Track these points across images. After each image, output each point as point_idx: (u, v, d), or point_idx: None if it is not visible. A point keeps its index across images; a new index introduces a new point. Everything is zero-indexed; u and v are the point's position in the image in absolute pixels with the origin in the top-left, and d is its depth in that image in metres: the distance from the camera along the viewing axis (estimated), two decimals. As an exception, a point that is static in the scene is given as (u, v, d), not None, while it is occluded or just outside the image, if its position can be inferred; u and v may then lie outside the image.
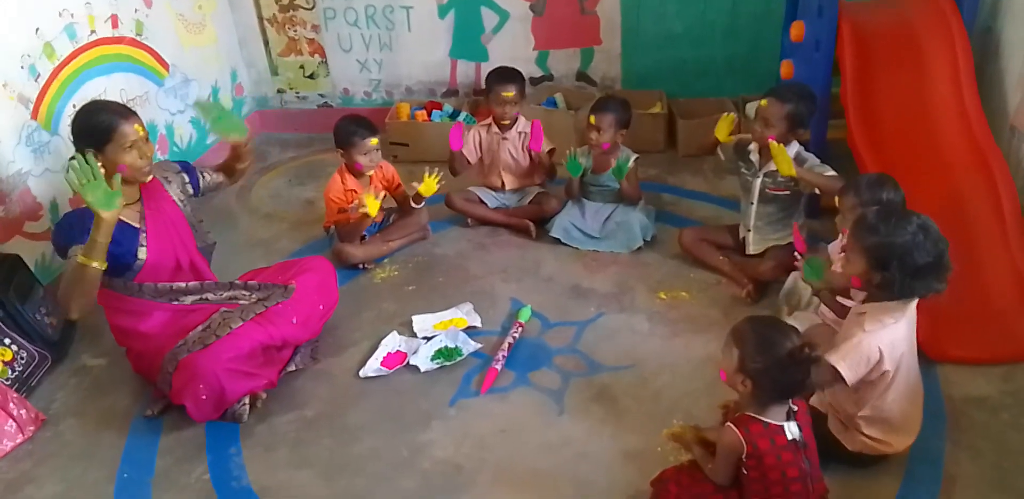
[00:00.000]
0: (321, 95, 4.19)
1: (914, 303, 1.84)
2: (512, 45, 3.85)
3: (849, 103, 2.71)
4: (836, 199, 2.27)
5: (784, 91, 2.59)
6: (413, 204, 3.07)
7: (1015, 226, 2.49)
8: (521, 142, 3.21)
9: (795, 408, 1.75)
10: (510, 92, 3.10)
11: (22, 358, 2.46)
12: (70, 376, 2.57)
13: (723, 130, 2.82)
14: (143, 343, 2.38)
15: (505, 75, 3.14)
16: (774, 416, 1.72)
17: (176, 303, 2.41)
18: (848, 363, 1.80)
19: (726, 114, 2.85)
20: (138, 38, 3.26)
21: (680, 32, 3.74)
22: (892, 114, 2.71)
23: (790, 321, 2.38)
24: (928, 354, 2.28)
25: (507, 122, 3.17)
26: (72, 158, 2.13)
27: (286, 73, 4.15)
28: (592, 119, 3.00)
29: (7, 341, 2.43)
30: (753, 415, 1.72)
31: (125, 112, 2.25)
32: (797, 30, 2.90)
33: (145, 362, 2.39)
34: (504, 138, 3.20)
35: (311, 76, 4.14)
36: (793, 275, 2.56)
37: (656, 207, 3.26)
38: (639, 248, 3.04)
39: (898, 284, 1.75)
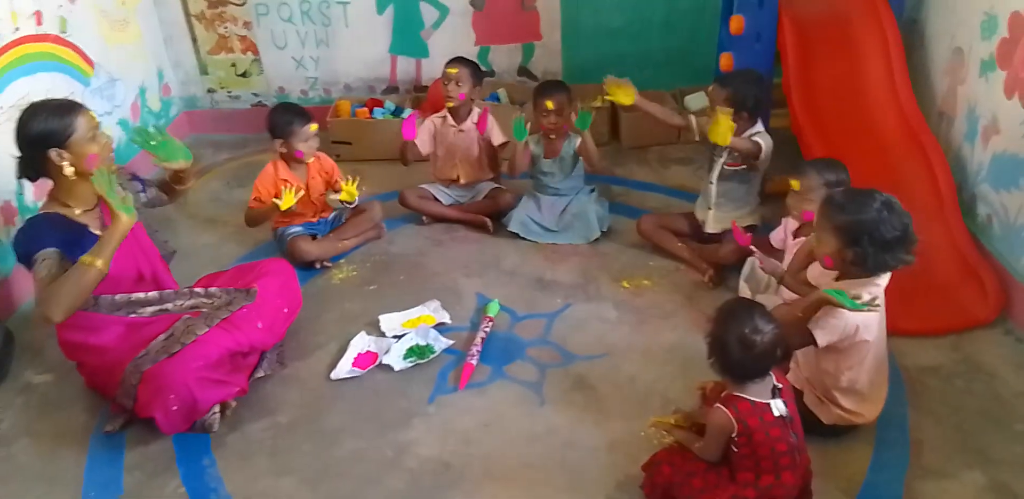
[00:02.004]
0: (255, 94, 4.06)
1: (885, 278, 1.93)
2: (453, 41, 3.83)
3: (792, 91, 2.83)
4: (792, 182, 2.36)
5: (726, 76, 2.74)
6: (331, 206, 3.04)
7: (951, 204, 2.66)
8: (477, 144, 3.21)
9: (779, 385, 1.81)
10: (454, 69, 3.07)
11: (-37, 378, 2.30)
12: (15, 395, 2.43)
13: (624, 95, 2.90)
14: (98, 357, 2.25)
15: (455, 58, 3.13)
16: (759, 394, 1.78)
17: (133, 316, 2.29)
18: (824, 330, 1.89)
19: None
20: (63, 35, 3.08)
21: (619, 26, 3.80)
22: (832, 101, 2.85)
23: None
24: (882, 328, 2.41)
25: (451, 104, 3.14)
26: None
27: (216, 72, 4.00)
28: (549, 104, 3.00)
29: (-55, 360, 2.27)
30: (739, 394, 1.78)
31: (74, 104, 2.17)
32: (737, 23, 3.00)
33: (101, 377, 2.27)
34: (460, 130, 3.18)
35: (243, 74, 4.01)
36: (750, 260, 2.66)
37: (607, 198, 3.31)
38: (597, 239, 3.08)
39: (871, 258, 1.84)
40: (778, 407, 1.75)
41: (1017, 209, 2.48)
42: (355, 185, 2.92)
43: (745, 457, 1.78)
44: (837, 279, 1.99)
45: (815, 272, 2.14)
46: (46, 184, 2.23)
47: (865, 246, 1.83)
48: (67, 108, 2.13)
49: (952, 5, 2.82)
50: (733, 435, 1.75)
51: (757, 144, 2.66)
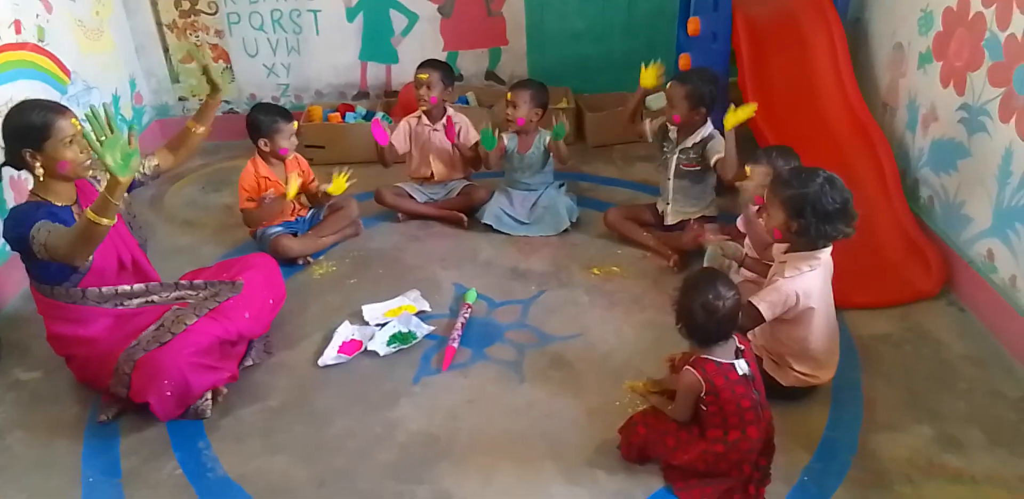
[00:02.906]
0: (227, 101, 4.14)
1: (827, 252, 2.10)
2: (422, 46, 3.97)
3: (748, 88, 3.02)
4: (746, 169, 2.53)
5: (685, 74, 2.89)
6: (321, 201, 3.15)
7: (895, 187, 2.85)
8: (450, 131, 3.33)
9: (742, 347, 1.96)
10: (424, 74, 3.20)
11: (-48, 377, 2.34)
12: (5, 391, 2.47)
13: (650, 77, 3.01)
14: (88, 349, 2.31)
15: (423, 62, 3.26)
16: (723, 355, 1.92)
17: (121, 307, 2.36)
18: (767, 304, 2.06)
19: (653, 64, 3.01)
20: (40, 44, 3.15)
21: (582, 30, 3.98)
22: (784, 96, 3.04)
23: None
24: (835, 301, 2.57)
25: (425, 107, 3.26)
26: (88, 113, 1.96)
27: (188, 80, 4.08)
28: (509, 96, 3.17)
29: (-68, 360, 2.31)
30: (705, 357, 1.92)
31: (58, 107, 2.21)
32: (694, 25, 3.19)
33: (92, 368, 2.32)
34: (434, 129, 3.31)
35: (215, 82, 4.09)
36: (711, 245, 2.82)
37: (575, 193, 3.46)
38: (566, 230, 3.22)
39: (813, 228, 2.01)
40: (741, 367, 1.90)
41: (955, 190, 2.68)
42: (345, 178, 3.02)
43: (713, 415, 1.91)
44: (786, 252, 2.16)
45: (773, 248, 2.31)
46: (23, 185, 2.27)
47: (808, 217, 2.00)
48: (48, 110, 2.17)
49: (892, 4, 3.04)
50: (702, 394, 1.89)
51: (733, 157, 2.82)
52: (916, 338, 2.55)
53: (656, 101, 3.97)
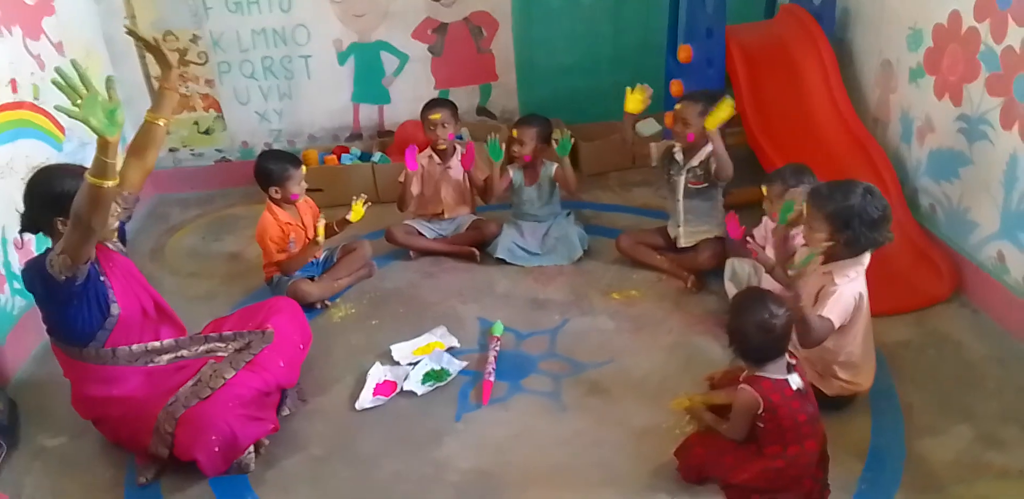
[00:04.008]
0: (218, 150, 4.13)
1: (867, 258, 2.16)
2: (413, 86, 4.01)
3: (747, 110, 3.11)
4: (763, 189, 2.60)
5: (696, 94, 2.96)
6: (339, 230, 3.08)
7: (898, 198, 2.95)
8: (463, 179, 3.37)
9: (793, 362, 1.99)
10: (436, 114, 3.24)
11: (-22, 449, 2.27)
12: (31, 460, 2.38)
13: (634, 103, 3.06)
14: (122, 409, 2.26)
15: (430, 103, 3.32)
16: (776, 372, 1.96)
17: (151, 365, 2.31)
18: (836, 315, 2.10)
19: (639, 87, 3.07)
20: (36, 102, 3.12)
21: (570, 64, 4.06)
22: (781, 116, 3.14)
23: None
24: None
25: (441, 147, 3.31)
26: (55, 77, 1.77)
27: (179, 131, 4.06)
28: (515, 133, 3.22)
29: (-41, 432, 2.23)
30: (759, 374, 1.95)
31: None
32: (685, 52, 3.29)
33: (127, 429, 2.27)
34: (448, 167, 3.34)
35: (206, 131, 4.08)
36: (730, 261, 2.88)
37: (580, 221, 3.50)
38: (579, 258, 3.25)
39: (863, 237, 2.07)
40: (795, 381, 1.94)
41: (959, 196, 2.79)
42: (362, 204, 3.02)
43: (771, 432, 1.94)
44: (824, 262, 2.21)
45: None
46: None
47: (856, 228, 2.06)
48: (81, 175, 2.06)
49: (877, 24, 3.18)
50: (759, 412, 1.91)
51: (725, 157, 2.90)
52: (937, 342, 2.62)
53: (646, 127, 4.07)
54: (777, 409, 1.91)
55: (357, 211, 3.02)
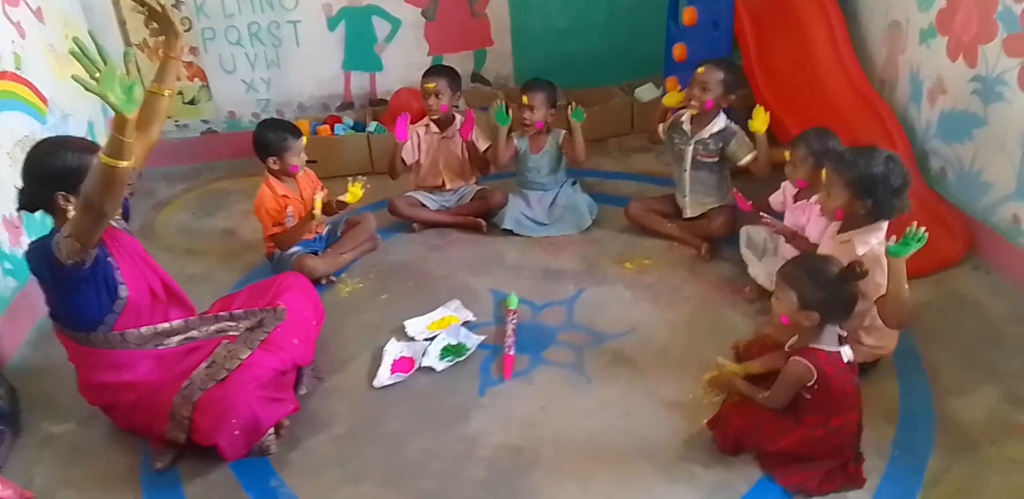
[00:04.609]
0: (204, 121, 3.98)
1: (885, 224, 2.14)
2: (405, 52, 3.89)
3: (756, 71, 3.06)
4: (785, 153, 2.57)
5: (717, 60, 2.88)
6: (336, 211, 3.00)
7: (908, 160, 2.93)
8: (461, 150, 3.27)
9: (843, 333, 1.98)
10: (431, 83, 3.14)
11: (-18, 438, 2.17)
12: (40, 448, 2.29)
13: (673, 99, 3.01)
14: (133, 395, 2.18)
15: (429, 69, 3.21)
16: (829, 343, 1.94)
17: (161, 347, 2.23)
18: (882, 273, 2.07)
19: (677, 90, 3.07)
20: (18, 72, 2.95)
21: (565, 27, 3.96)
22: (789, 79, 3.10)
23: (760, 267, 2.68)
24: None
25: (435, 117, 3.21)
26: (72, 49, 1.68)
27: (162, 102, 3.90)
28: (524, 99, 3.12)
29: (-38, 421, 2.13)
30: (815, 346, 1.93)
31: (92, 146, 2.08)
32: (690, 14, 3.22)
33: (140, 414, 2.19)
34: (444, 137, 3.24)
35: (191, 102, 3.92)
36: (744, 228, 2.85)
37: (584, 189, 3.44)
38: (588, 227, 3.21)
39: (886, 204, 2.05)
40: (847, 353, 1.93)
41: (971, 158, 2.78)
42: (360, 186, 2.92)
43: (817, 403, 1.93)
44: (841, 230, 2.20)
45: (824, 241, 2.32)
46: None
47: (880, 195, 2.04)
48: (84, 150, 2.03)
49: (884, -17, 3.13)
50: (810, 383, 1.89)
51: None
52: (956, 303, 2.64)
53: (645, 92, 4.00)
54: (830, 380, 1.90)
55: (354, 193, 2.91)
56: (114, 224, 2.22)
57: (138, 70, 3.67)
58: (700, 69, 2.84)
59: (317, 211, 2.83)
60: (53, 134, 3.18)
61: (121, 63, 1.74)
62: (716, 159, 2.97)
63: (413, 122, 3.26)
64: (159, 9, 2.22)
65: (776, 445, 1.99)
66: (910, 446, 2.08)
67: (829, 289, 1.88)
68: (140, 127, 2.24)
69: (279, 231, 2.94)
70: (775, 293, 2.00)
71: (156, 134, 2.30)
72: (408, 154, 3.24)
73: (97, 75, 1.69)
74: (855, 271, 1.86)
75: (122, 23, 3.64)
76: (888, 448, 2.08)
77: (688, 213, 3.09)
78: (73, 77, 1.70)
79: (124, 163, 1.77)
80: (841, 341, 1.95)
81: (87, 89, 1.68)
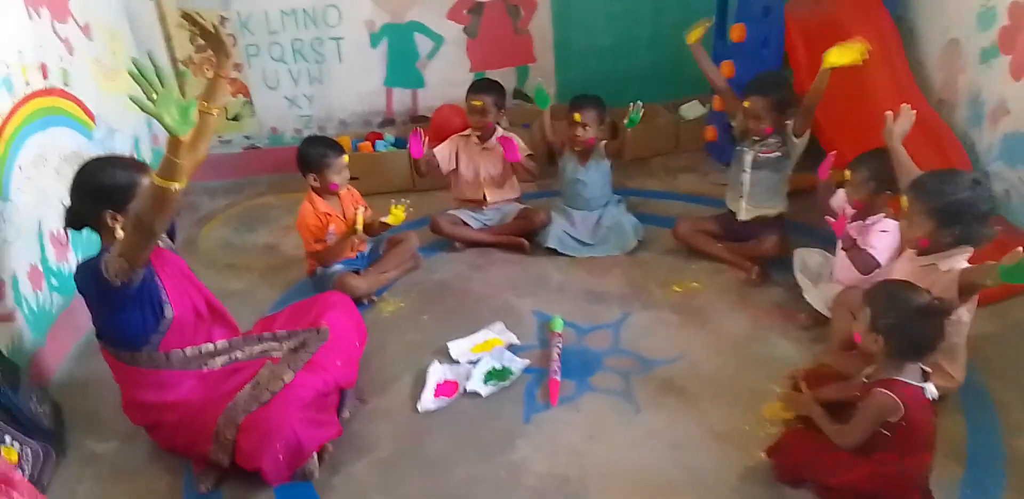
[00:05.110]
0: (247, 137, 3.99)
1: (971, 249, 2.04)
2: (448, 69, 3.88)
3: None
4: (846, 173, 2.49)
5: (759, 85, 2.78)
6: (377, 231, 2.98)
7: (969, 183, 2.83)
8: (502, 163, 3.24)
9: (928, 369, 1.88)
10: (479, 101, 3.12)
11: (27, 456, 2.15)
12: (82, 467, 2.28)
13: (696, 34, 2.91)
14: (177, 415, 2.16)
15: (476, 85, 3.19)
16: (913, 377, 1.84)
17: (205, 368, 2.21)
18: (968, 308, 2.02)
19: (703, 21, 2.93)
20: (66, 89, 2.98)
21: (608, 45, 3.93)
22: (843, 98, 3.00)
23: (817, 293, 2.59)
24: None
25: (479, 132, 3.20)
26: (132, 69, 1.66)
27: (205, 117, 3.92)
28: (577, 116, 3.07)
29: (7, 439, 2.10)
30: (898, 378, 1.83)
31: (140, 165, 2.09)
32: (739, 32, 3.15)
33: (184, 435, 2.16)
34: (485, 148, 3.22)
35: (235, 118, 3.94)
36: (798, 252, 2.77)
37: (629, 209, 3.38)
38: (633, 249, 3.14)
39: (974, 233, 1.95)
40: (930, 390, 1.83)
41: (1036, 182, 2.68)
42: (403, 209, 2.90)
43: (895, 440, 1.82)
44: (920, 254, 2.10)
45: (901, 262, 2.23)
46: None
47: (968, 223, 1.93)
48: (133, 168, 2.05)
49: (941, 2, 3.04)
50: (894, 419, 1.79)
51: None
52: (1018, 335, 2.52)
53: (690, 110, 3.94)
54: (914, 419, 1.80)
55: (396, 215, 2.90)
56: (160, 243, 2.21)
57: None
58: (746, 102, 2.77)
59: (359, 227, 2.80)
60: (99, 149, 3.24)
61: (176, 84, 1.72)
62: (778, 154, 2.85)
63: (447, 136, 3.25)
64: (211, 29, 2.22)
65: (840, 478, 1.88)
66: (980, 486, 1.98)
67: (903, 317, 1.79)
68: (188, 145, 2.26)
69: (320, 248, 2.92)
70: (856, 313, 1.92)
71: (204, 152, 2.29)
72: (443, 161, 3.23)
73: (155, 96, 1.68)
74: (939, 306, 1.77)
75: (168, 38, 3.68)
76: (957, 488, 1.98)
77: (743, 216, 2.98)
78: (130, 98, 1.69)
79: (177, 184, 1.77)
80: (924, 377, 1.85)
81: (144, 110, 1.67)
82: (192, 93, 3.73)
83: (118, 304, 2.02)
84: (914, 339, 1.81)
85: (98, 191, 2.01)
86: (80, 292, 2.07)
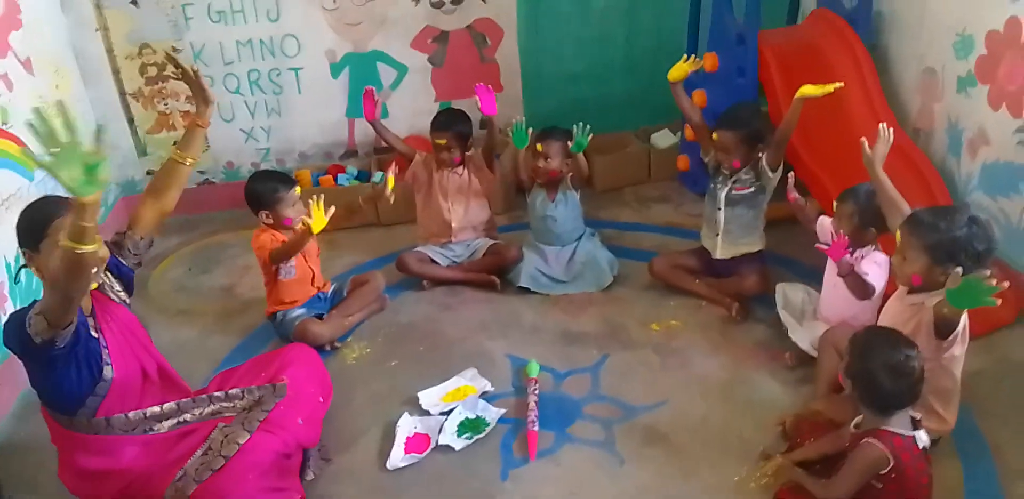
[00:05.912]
0: (201, 172, 3.81)
1: None
2: (412, 99, 3.75)
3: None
4: (834, 205, 2.40)
5: (729, 119, 2.69)
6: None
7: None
8: (468, 180, 3.14)
9: (918, 416, 1.79)
10: (442, 139, 3.02)
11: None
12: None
13: (679, 71, 2.82)
14: (122, 484, 1.96)
15: (438, 121, 3.09)
16: (902, 426, 1.76)
17: (151, 433, 2.02)
18: (960, 345, 1.95)
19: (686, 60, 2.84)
20: (4, 127, 2.78)
21: (579, 72, 3.84)
22: (819, 127, 2.94)
23: (802, 331, 2.49)
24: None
25: (448, 168, 3.11)
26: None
27: (157, 152, 3.73)
28: (539, 147, 2.98)
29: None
30: (887, 429, 1.74)
31: (61, 204, 1.90)
32: (712, 60, 3.08)
33: (129, 505, 1.98)
34: (453, 172, 3.12)
35: (188, 152, 3.76)
36: (780, 287, 2.67)
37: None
38: (609, 285, 3.03)
39: (971, 271, 1.86)
40: (922, 439, 1.74)
41: (1018, 212, 2.62)
42: (320, 206, 2.63)
43: (887, 492, 1.74)
44: (910, 293, 2.02)
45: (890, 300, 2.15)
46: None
47: (963, 261, 1.85)
48: (57, 207, 1.87)
49: (916, 29, 3.00)
50: (884, 471, 1.70)
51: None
52: (1010, 370, 2.45)
53: (661, 139, 3.86)
54: (905, 470, 1.71)
55: (318, 219, 2.62)
56: (112, 296, 2.04)
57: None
58: (715, 135, 2.68)
59: (316, 228, 2.62)
60: (42, 190, 3.03)
61: (91, 138, 1.49)
62: (751, 190, 2.76)
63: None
64: (192, 75, 2.10)
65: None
66: (982, 538, 1.88)
67: (872, 369, 1.73)
68: (154, 193, 2.12)
69: (278, 244, 2.72)
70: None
71: (172, 203, 2.12)
72: (409, 175, 3.16)
73: (54, 150, 1.46)
74: (911, 366, 1.70)
75: (116, 71, 3.50)
76: (958, 540, 1.88)
77: (718, 254, 2.87)
78: (22, 152, 1.49)
79: (86, 248, 1.56)
80: (915, 425, 1.75)
81: (39, 165, 1.46)
82: (138, 125, 3.62)
83: (43, 362, 1.82)
84: (880, 393, 1.73)
85: (26, 229, 1.88)
86: (5, 346, 1.88)
